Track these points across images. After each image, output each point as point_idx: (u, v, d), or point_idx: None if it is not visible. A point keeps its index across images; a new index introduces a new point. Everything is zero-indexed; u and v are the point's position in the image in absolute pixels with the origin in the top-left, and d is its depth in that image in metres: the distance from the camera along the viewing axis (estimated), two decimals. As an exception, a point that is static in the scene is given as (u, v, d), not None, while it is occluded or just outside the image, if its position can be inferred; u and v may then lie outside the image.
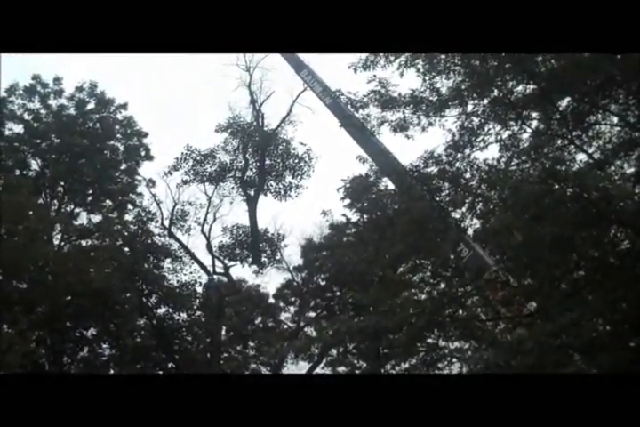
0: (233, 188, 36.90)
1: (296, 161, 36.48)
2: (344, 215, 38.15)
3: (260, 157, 36.33)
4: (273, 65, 36.62)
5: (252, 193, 36.92)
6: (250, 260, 36.97)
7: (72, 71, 46.36)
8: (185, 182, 36.46)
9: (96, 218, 37.66)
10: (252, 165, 36.85)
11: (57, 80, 38.37)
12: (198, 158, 36.50)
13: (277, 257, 37.91)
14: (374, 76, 19.86)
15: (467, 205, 18.36)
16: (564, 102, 18.52)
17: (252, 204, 36.53)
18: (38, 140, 37.57)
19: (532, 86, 18.26)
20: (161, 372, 35.73)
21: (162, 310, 36.41)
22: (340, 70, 22.24)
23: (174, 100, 68.60)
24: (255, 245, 36.67)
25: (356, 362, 39.78)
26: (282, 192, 36.86)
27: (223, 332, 37.45)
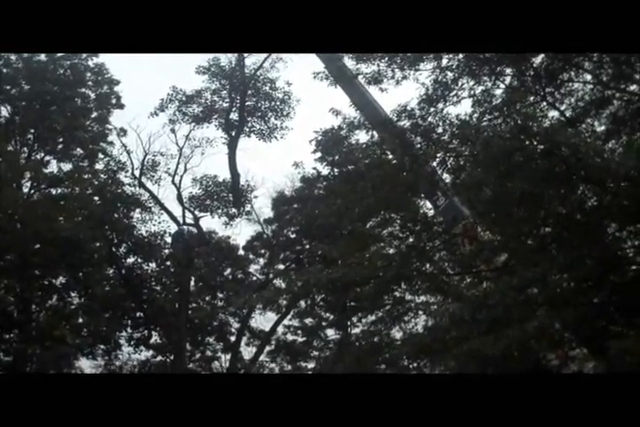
0: (217, 129, 36.64)
1: (278, 103, 36.23)
2: (314, 169, 38.19)
3: (241, 97, 36.01)
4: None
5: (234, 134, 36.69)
6: (220, 211, 36.94)
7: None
8: (172, 122, 36.18)
9: (66, 166, 37.33)
10: (236, 108, 36.54)
11: (27, 25, 37.54)
12: (184, 99, 36.17)
13: (248, 209, 37.96)
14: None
15: (438, 159, 18.40)
16: (538, 59, 18.53)
17: (232, 145, 36.35)
18: (8, 87, 36.92)
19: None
20: (130, 321, 35.87)
21: (131, 260, 36.36)
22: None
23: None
24: (235, 187, 36.58)
25: (323, 314, 40.19)
26: (266, 133, 36.67)
27: (192, 282, 37.55)
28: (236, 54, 35.54)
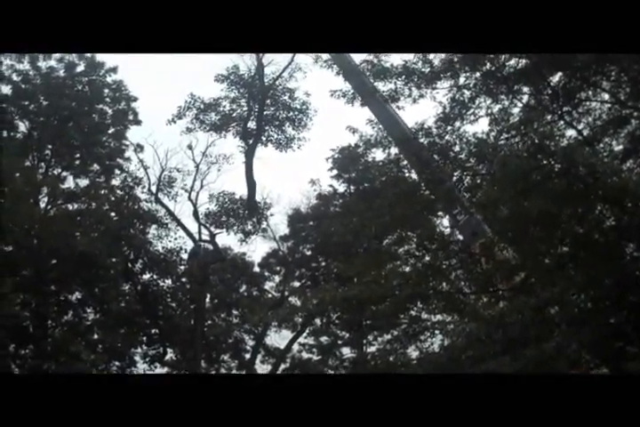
0: (235, 137, 36.69)
1: (296, 113, 36.24)
2: (331, 186, 38.19)
3: (260, 106, 36.08)
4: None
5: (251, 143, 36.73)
6: (236, 228, 36.90)
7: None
8: (189, 130, 36.28)
9: (83, 182, 37.53)
10: (254, 116, 36.57)
11: (46, 42, 37.91)
12: (202, 107, 36.25)
13: (263, 226, 37.92)
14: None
15: (455, 178, 18.37)
16: (556, 78, 18.52)
17: (249, 153, 36.41)
18: (26, 102, 37.23)
19: (524, 60, 18.23)
20: (145, 338, 35.84)
21: (147, 276, 36.35)
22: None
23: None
24: (251, 196, 36.57)
25: (338, 332, 40.04)
26: (282, 143, 36.68)
27: (207, 299, 37.51)
28: (255, 63, 35.79)
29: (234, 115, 36.33)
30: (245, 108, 36.44)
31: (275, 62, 36.17)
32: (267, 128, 36.57)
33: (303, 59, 34.89)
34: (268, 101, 36.28)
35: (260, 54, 35.49)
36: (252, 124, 36.62)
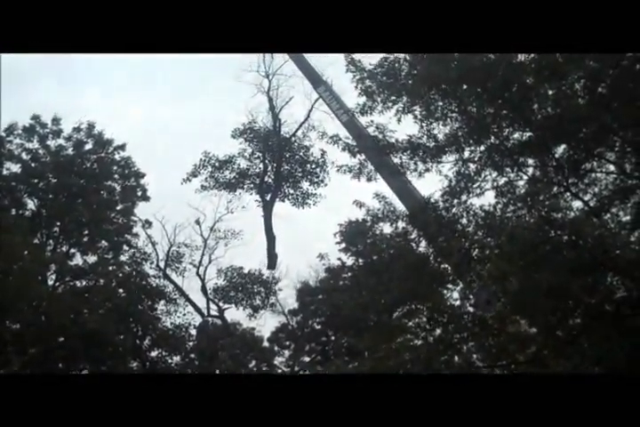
0: (251, 194, 36.93)
1: (313, 166, 36.53)
2: (339, 259, 38.10)
3: (277, 163, 36.36)
4: (293, 71, 36.32)
5: (269, 198, 36.97)
6: (244, 303, 36.76)
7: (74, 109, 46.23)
8: (204, 188, 36.53)
9: (91, 258, 37.58)
10: (270, 172, 36.89)
11: (56, 120, 38.63)
12: (217, 165, 36.57)
13: (272, 300, 37.76)
14: (372, 121, 20.07)
15: (463, 251, 18.34)
16: (560, 149, 18.61)
17: (267, 209, 36.53)
18: (35, 180, 37.64)
19: (528, 133, 18.37)
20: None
21: (155, 353, 36.08)
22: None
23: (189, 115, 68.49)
24: (271, 249, 36.55)
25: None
26: (299, 199, 36.89)
27: (216, 375, 37.09)
28: (270, 120, 36.39)
29: (249, 170, 36.69)
30: (261, 164, 36.83)
31: (288, 124, 36.81)
32: (283, 183, 36.91)
33: (319, 115, 35.46)
34: (285, 156, 36.69)
35: (277, 109, 36.18)
36: (268, 179, 37.05)
